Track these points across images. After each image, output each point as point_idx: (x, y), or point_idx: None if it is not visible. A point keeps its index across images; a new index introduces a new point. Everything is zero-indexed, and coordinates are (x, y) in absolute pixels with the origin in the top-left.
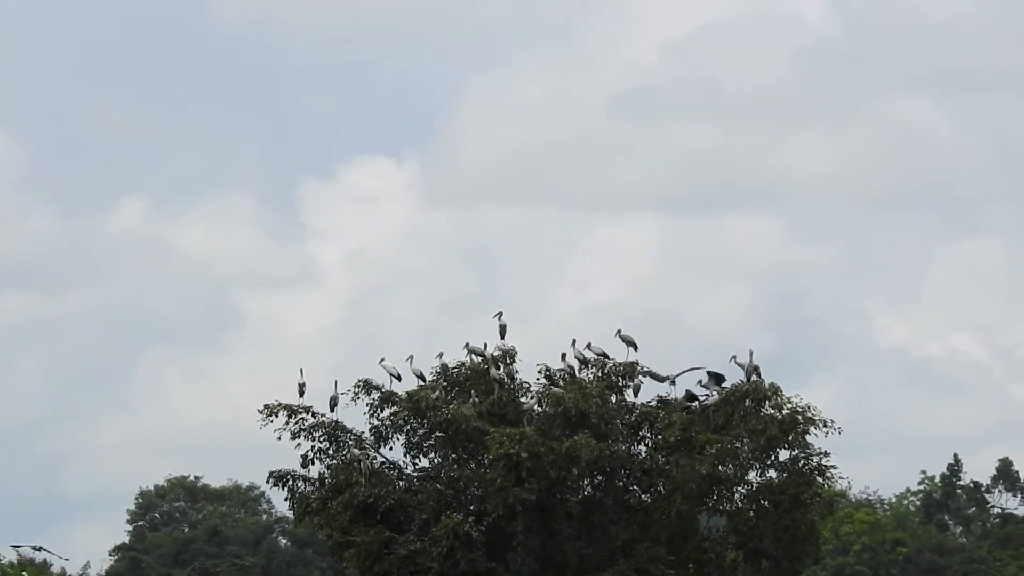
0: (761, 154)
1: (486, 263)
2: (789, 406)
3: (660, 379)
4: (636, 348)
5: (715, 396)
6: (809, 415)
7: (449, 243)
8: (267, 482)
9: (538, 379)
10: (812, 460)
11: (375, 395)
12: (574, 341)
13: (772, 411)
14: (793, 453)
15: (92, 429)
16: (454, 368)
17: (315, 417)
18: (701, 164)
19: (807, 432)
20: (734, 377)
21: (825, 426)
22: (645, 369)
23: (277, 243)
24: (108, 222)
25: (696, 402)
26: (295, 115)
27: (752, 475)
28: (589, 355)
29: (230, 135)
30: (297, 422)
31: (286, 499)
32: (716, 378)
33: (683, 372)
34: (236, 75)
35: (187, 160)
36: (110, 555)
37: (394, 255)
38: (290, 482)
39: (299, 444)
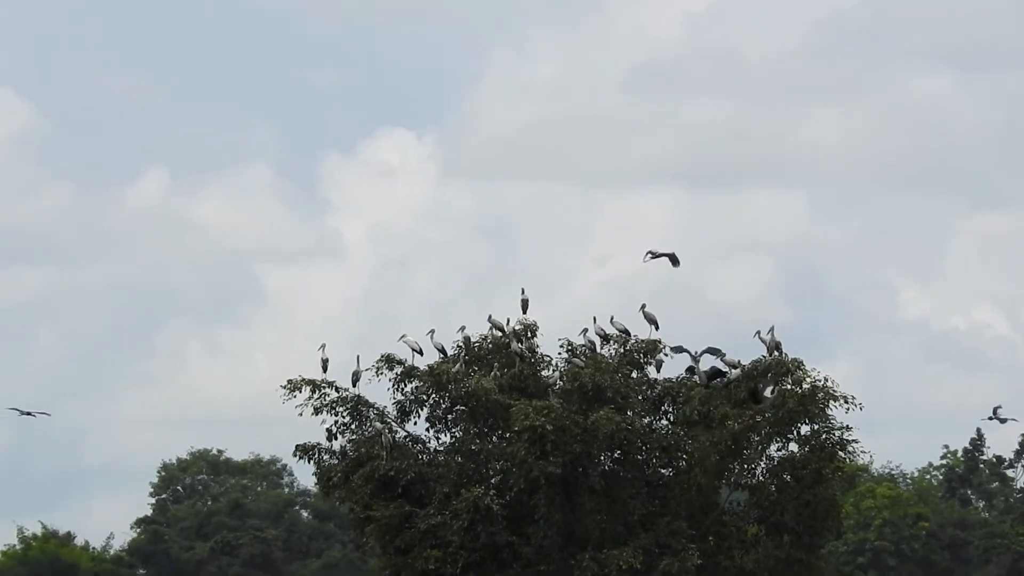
0: (781, 128)
1: (506, 237)
2: (809, 380)
3: (693, 356)
4: (657, 327)
5: (738, 371)
6: (829, 389)
7: (469, 217)
8: (294, 455)
9: (560, 354)
10: (834, 435)
11: (397, 370)
12: (595, 318)
13: (792, 386)
14: (814, 427)
15: (112, 403)
16: (476, 342)
17: (338, 392)
18: (721, 138)
19: (827, 406)
20: (756, 353)
21: (846, 402)
22: (675, 346)
23: (297, 217)
24: (128, 195)
25: (719, 379)
26: (315, 88)
27: (773, 449)
28: (611, 330)
29: (250, 109)
30: (319, 397)
31: (314, 473)
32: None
33: (704, 352)
34: (256, 48)
35: (207, 134)
36: (132, 528)
37: (414, 229)
38: (316, 455)
39: (324, 420)
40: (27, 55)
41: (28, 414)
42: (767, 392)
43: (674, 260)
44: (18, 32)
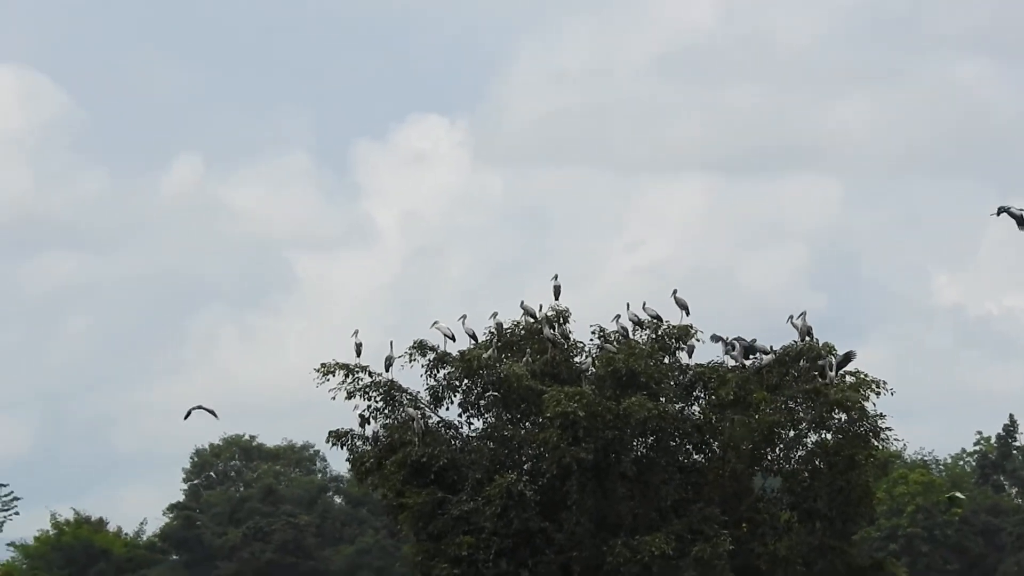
0: (814, 115)
1: (538, 223)
2: (847, 375)
3: (725, 340)
4: (689, 312)
5: (770, 356)
6: (863, 377)
7: (501, 203)
8: (327, 441)
9: (592, 340)
10: (867, 422)
11: (430, 356)
12: (628, 304)
13: (829, 372)
14: (849, 415)
15: (145, 389)
16: (508, 328)
17: (371, 376)
18: (753, 125)
19: (867, 398)
20: (788, 338)
21: (877, 387)
22: (713, 335)
23: (330, 203)
24: (162, 182)
25: (754, 356)
26: (348, 75)
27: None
28: (644, 316)
29: (283, 96)
30: (353, 381)
31: (347, 459)
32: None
33: (734, 339)
34: (290, 37)
35: (241, 121)
36: (164, 514)
37: (447, 215)
38: (349, 441)
39: (356, 405)
40: (63, 43)
41: (209, 412)
42: (830, 371)
43: (1021, 222)
44: (54, 20)
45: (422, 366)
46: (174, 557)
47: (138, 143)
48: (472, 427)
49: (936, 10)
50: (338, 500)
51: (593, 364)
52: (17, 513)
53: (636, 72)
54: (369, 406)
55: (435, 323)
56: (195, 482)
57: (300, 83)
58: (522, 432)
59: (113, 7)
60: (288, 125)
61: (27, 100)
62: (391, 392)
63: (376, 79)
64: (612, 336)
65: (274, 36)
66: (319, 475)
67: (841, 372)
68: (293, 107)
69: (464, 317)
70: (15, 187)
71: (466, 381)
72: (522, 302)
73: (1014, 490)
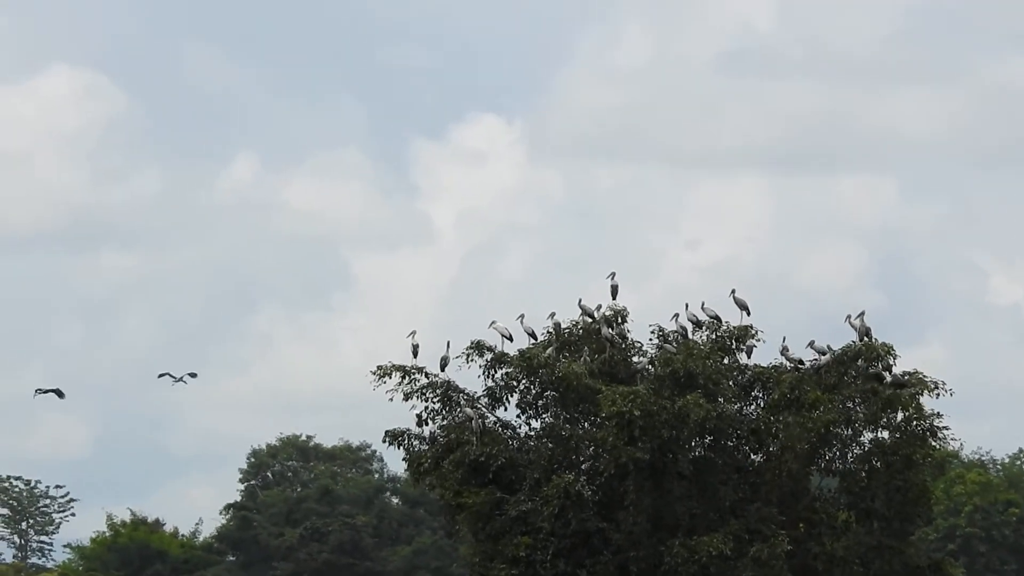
0: (871, 112)
1: (596, 221)
2: (899, 370)
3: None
4: (749, 312)
5: (827, 357)
6: (920, 377)
7: (558, 202)
8: (383, 441)
9: (651, 340)
10: (925, 421)
11: (487, 356)
12: (687, 304)
13: (883, 372)
14: (906, 414)
15: (202, 389)
16: (566, 328)
17: (428, 377)
18: (810, 122)
19: (920, 395)
20: (846, 338)
21: (936, 387)
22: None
23: (387, 202)
24: (218, 181)
25: (809, 362)
26: (405, 73)
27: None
28: (703, 316)
29: (340, 95)
30: (410, 383)
31: (404, 459)
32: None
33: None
34: (346, 34)
35: (298, 119)
36: (221, 514)
37: (503, 214)
38: (406, 441)
39: (413, 406)
40: (119, 43)
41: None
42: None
43: None
44: (110, 20)
45: (479, 366)
46: (230, 558)
47: (194, 141)
48: (530, 427)
49: (992, 8)
50: (395, 500)
51: (651, 364)
52: (74, 514)
53: (693, 69)
54: (426, 407)
55: (493, 323)
56: (252, 482)
57: (356, 82)
58: (580, 432)
59: (169, 6)
60: (345, 124)
61: (84, 99)
62: (448, 393)
63: (433, 78)
64: (671, 336)
65: (331, 34)
66: (376, 475)
67: (900, 372)
68: (350, 106)
69: (523, 316)
70: (72, 186)
71: (524, 381)
72: (579, 301)
73: None
